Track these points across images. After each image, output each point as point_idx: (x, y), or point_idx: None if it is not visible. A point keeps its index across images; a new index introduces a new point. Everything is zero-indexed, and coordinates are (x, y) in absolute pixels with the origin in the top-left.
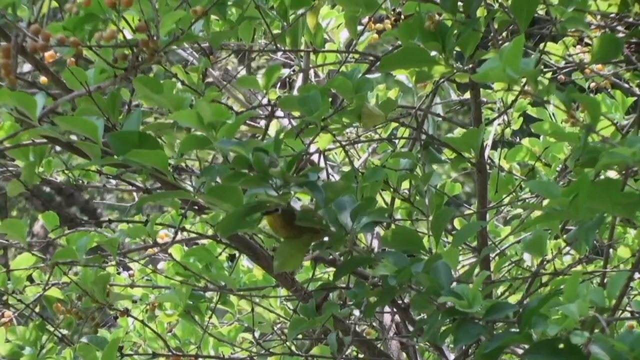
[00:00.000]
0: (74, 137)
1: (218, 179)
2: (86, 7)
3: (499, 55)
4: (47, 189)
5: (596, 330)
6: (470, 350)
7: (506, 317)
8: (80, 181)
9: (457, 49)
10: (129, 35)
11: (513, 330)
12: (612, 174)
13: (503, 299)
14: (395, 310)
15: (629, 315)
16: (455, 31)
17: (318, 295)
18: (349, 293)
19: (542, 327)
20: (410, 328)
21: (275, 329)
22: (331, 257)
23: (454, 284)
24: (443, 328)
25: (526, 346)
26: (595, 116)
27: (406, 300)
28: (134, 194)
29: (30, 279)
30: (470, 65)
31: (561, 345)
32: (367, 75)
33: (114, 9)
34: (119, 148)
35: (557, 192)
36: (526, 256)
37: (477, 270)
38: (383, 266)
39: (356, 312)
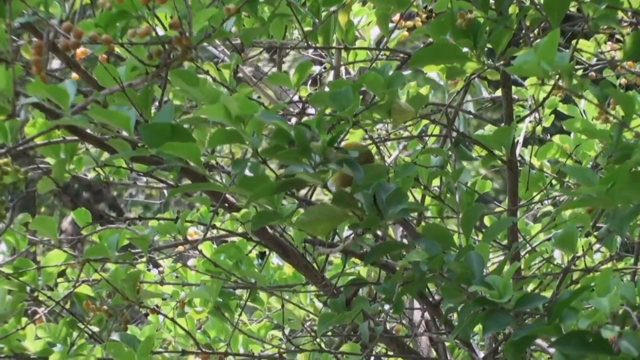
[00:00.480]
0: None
1: (248, 172)
2: (119, 3)
3: (534, 49)
4: (75, 186)
5: (626, 327)
6: (500, 348)
7: (536, 309)
8: (111, 178)
9: (489, 46)
10: (161, 32)
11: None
12: None
13: None
14: (425, 306)
15: None
16: (487, 28)
17: (348, 291)
18: (379, 288)
19: (573, 320)
20: (440, 325)
21: (305, 326)
22: (362, 250)
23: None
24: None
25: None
26: (629, 112)
27: (436, 297)
28: (164, 191)
29: (60, 275)
30: (502, 62)
31: (591, 339)
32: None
33: (147, 6)
34: (151, 140)
35: (595, 179)
36: (556, 253)
37: (506, 267)
38: (415, 252)
39: (386, 307)
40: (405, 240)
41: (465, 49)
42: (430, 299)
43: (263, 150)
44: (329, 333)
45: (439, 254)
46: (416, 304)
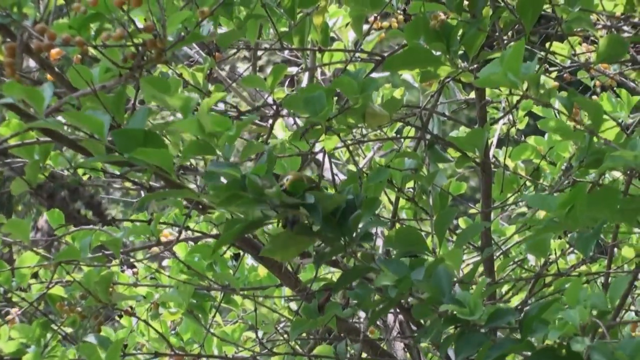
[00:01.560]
0: (78, 135)
1: (223, 179)
2: (93, 6)
3: (500, 60)
4: (51, 184)
5: (596, 339)
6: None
7: (508, 323)
8: (89, 176)
9: (462, 48)
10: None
11: (515, 336)
12: (616, 174)
13: (506, 299)
14: (398, 310)
15: (632, 314)
16: (461, 31)
17: (320, 296)
18: (352, 294)
19: (543, 332)
20: (414, 328)
21: (278, 328)
22: (334, 258)
23: (456, 286)
24: (445, 335)
25: (529, 353)
26: (597, 119)
27: (410, 300)
28: (140, 192)
29: (34, 276)
30: (475, 65)
31: (563, 352)
32: (373, 74)
33: (122, 8)
34: (123, 145)
35: (554, 205)
36: (530, 256)
37: (480, 269)
38: (384, 276)
39: (360, 313)
40: (379, 242)
41: (438, 53)
42: (403, 302)
43: (218, 202)
44: (303, 334)
45: (407, 276)
46: None
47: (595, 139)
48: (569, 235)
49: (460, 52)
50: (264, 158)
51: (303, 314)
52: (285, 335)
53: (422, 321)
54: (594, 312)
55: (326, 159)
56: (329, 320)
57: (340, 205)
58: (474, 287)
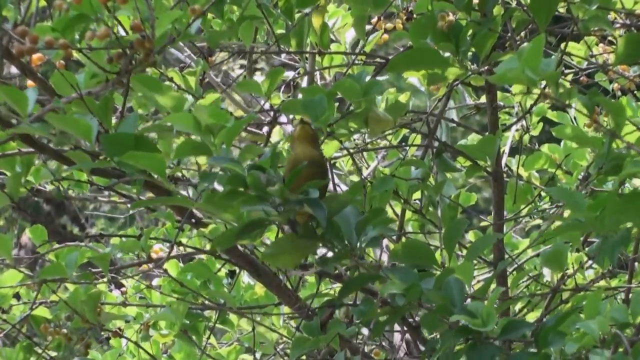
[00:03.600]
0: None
1: (217, 186)
2: (77, 4)
3: (518, 55)
4: (35, 198)
5: (620, 349)
6: None
7: (523, 336)
8: (71, 191)
9: (472, 50)
10: (122, 34)
11: (530, 350)
12: (636, 182)
13: (521, 317)
14: (405, 329)
15: None
16: (470, 31)
17: (322, 313)
18: (356, 310)
19: (560, 344)
20: (422, 348)
21: (278, 349)
22: (337, 271)
23: (468, 300)
24: (457, 347)
25: None
26: (620, 122)
27: (417, 318)
28: (128, 205)
29: (16, 296)
30: (486, 67)
31: None
32: (376, 78)
33: (107, 7)
34: (112, 150)
35: (581, 200)
36: (545, 271)
37: (492, 285)
38: (391, 284)
39: (364, 331)
40: (385, 257)
41: (446, 54)
42: (411, 320)
43: (219, 196)
44: (303, 357)
45: (416, 284)
46: (396, 326)
47: (615, 144)
48: (587, 248)
49: (470, 53)
50: (267, 153)
51: (304, 332)
52: (286, 358)
53: (430, 340)
54: (614, 324)
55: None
56: (332, 339)
57: (345, 209)
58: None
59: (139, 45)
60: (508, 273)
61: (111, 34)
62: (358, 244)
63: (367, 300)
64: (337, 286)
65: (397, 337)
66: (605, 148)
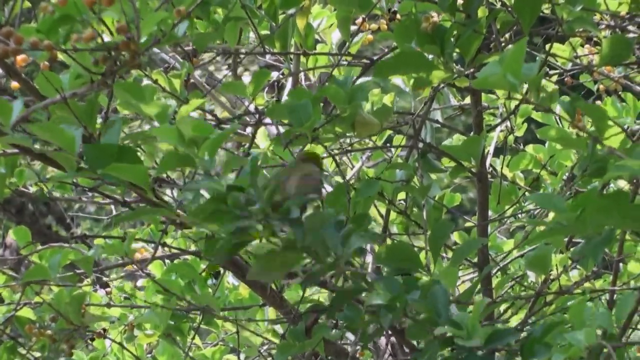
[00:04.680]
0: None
1: (203, 192)
2: (61, 6)
3: (500, 60)
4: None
5: None
6: None
7: (507, 345)
8: (55, 193)
9: (457, 51)
10: (107, 37)
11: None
12: (621, 183)
13: (505, 319)
14: (390, 332)
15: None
16: (455, 32)
17: (307, 318)
18: (341, 316)
19: (546, 355)
20: (407, 350)
21: (262, 350)
22: (322, 279)
23: (453, 306)
24: (441, 354)
25: None
26: (602, 126)
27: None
28: (112, 206)
29: None
30: (471, 70)
31: None
32: (361, 79)
33: (92, 9)
34: (96, 161)
35: (563, 206)
36: (530, 272)
37: (478, 287)
38: (375, 294)
39: (349, 335)
40: (369, 258)
41: (431, 56)
42: (396, 325)
43: (202, 214)
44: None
45: (401, 295)
46: None
47: (599, 147)
48: (571, 250)
49: (455, 54)
50: (246, 169)
51: (289, 338)
52: (269, 359)
53: (415, 343)
54: (600, 333)
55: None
56: (317, 343)
57: (329, 219)
58: (471, 307)
59: (125, 47)
60: (492, 274)
61: (96, 36)
62: (343, 254)
63: (352, 306)
64: (323, 291)
65: (382, 339)
66: (589, 150)
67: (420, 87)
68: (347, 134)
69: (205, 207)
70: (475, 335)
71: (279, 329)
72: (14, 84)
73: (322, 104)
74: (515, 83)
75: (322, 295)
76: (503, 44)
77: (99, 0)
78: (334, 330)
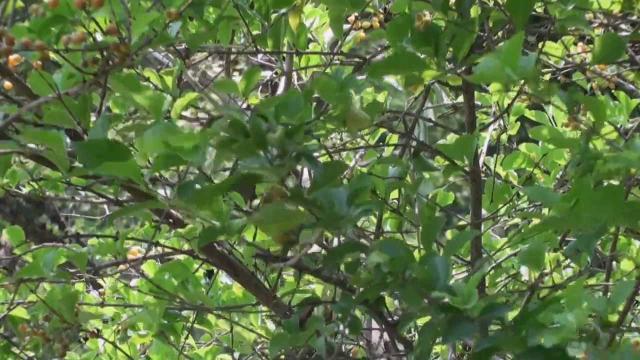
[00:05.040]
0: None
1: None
2: (52, 8)
3: (496, 53)
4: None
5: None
6: None
7: (501, 321)
8: (47, 193)
9: (450, 49)
10: (100, 37)
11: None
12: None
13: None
14: (384, 326)
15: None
16: (448, 31)
17: (301, 310)
18: (335, 307)
19: (538, 336)
20: (400, 346)
21: (256, 349)
22: (317, 266)
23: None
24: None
25: None
26: (600, 118)
27: (395, 317)
28: (105, 206)
29: None
30: (464, 68)
31: (558, 355)
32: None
33: (83, 10)
34: (86, 158)
35: (556, 199)
36: (523, 269)
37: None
38: (377, 254)
39: (342, 328)
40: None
41: (426, 56)
42: (389, 319)
43: (218, 142)
44: (282, 357)
45: (401, 256)
46: (374, 324)
47: (591, 144)
48: (564, 248)
49: (448, 53)
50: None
51: (283, 330)
52: (264, 358)
53: (409, 338)
54: (594, 316)
55: (305, 169)
56: (311, 336)
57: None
58: None
59: (115, 49)
60: (486, 272)
61: (87, 38)
62: (348, 214)
63: (346, 297)
64: (315, 285)
65: (375, 335)
66: (583, 146)
67: (412, 84)
68: (338, 130)
69: (223, 139)
70: (471, 300)
71: (271, 326)
72: (7, 84)
73: (314, 104)
74: (512, 75)
75: (317, 288)
76: (496, 43)
77: (89, 1)
78: (327, 324)
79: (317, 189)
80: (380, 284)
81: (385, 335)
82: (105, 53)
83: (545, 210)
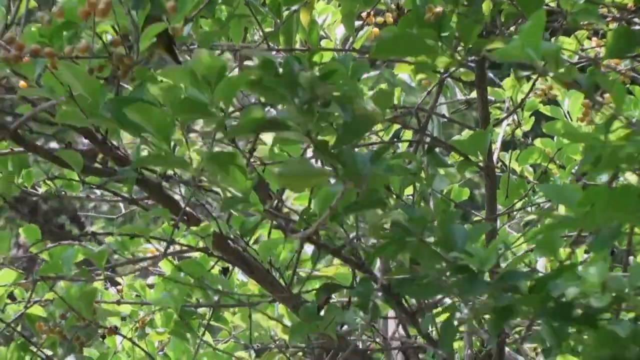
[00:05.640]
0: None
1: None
2: (59, 17)
3: (520, 32)
4: (34, 198)
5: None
6: None
7: (517, 289)
8: (63, 192)
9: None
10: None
11: None
12: (632, 179)
13: None
14: (402, 314)
15: None
16: (456, 19)
17: (319, 297)
18: (354, 292)
19: (560, 290)
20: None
21: (275, 342)
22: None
23: None
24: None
25: None
26: (620, 101)
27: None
28: (120, 204)
29: (11, 296)
30: (474, 57)
31: (578, 312)
32: (365, 75)
33: (93, 19)
34: (118, 113)
35: (574, 198)
36: (540, 265)
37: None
38: (398, 212)
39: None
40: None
41: (433, 42)
42: (407, 309)
43: (248, 81)
44: (300, 354)
45: (422, 216)
46: (391, 313)
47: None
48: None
49: (461, 48)
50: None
51: (301, 317)
52: (282, 349)
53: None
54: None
55: (319, 164)
56: (330, 323)
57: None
58: None
59: (119, 62)
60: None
61: (92, 47)
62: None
63: (365, 282)
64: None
65: (391, 325)
66: (605, 130)
67: (423, 71)
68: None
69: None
70: (489, 263)
71: (288, 323)
72: (22, 83)
73: None
74: (533, 55)
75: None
76: (508, 37)
77: (93, 10)
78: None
79: (343, 142)
80: (399, 240)
81: (401, 330)
82: (112, 65)
83: (561, 207)
